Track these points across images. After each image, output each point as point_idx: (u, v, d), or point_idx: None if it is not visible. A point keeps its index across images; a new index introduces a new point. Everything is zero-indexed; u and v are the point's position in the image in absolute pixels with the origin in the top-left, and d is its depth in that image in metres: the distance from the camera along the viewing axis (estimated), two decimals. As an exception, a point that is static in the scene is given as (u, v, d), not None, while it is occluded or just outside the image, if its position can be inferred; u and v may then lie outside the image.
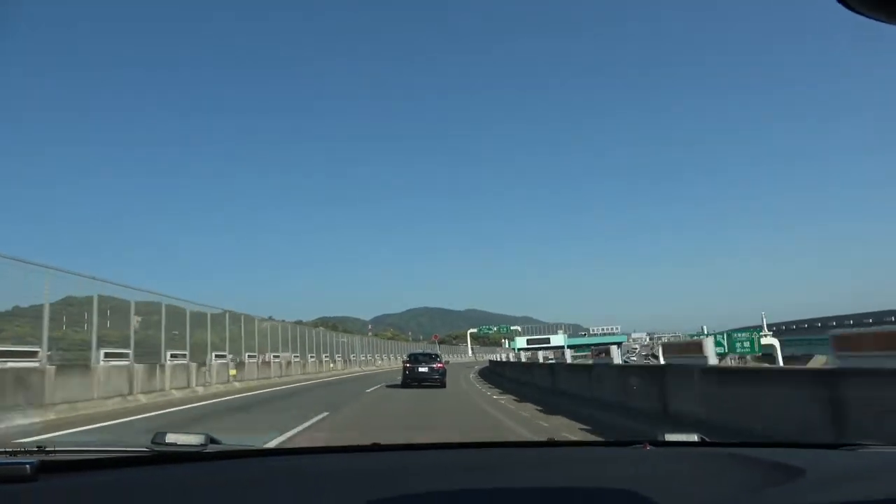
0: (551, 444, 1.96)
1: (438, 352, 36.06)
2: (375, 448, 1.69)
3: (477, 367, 46.00)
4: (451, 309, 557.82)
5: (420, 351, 30.90)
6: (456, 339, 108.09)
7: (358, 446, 1.71)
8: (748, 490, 1.11)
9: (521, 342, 73.91)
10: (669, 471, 1.40)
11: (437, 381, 21.69)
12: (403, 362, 23.62)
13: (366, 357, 46.36)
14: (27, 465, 1.18)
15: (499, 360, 40.38)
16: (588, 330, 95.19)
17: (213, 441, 1.55)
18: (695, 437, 1.73)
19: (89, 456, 1.46)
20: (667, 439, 1.71)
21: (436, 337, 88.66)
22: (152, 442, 1.48)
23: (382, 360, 50.91)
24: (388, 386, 22.43)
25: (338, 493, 1.22)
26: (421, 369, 21.94)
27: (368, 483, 1.30)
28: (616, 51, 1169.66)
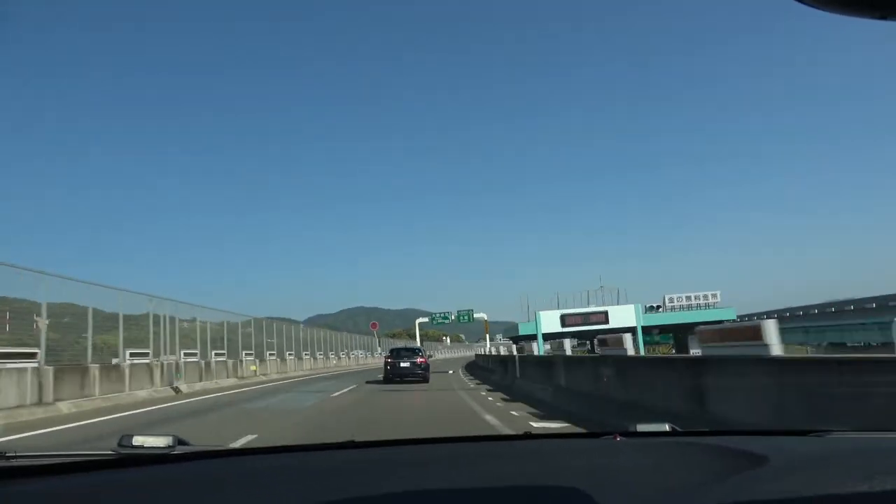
0: (524, 436, 1.96)
1: (418, 346, 30.86)
2: (349, 445, 1.64)
3: (453, 372, 30.59)
4: (388, 308, 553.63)
5: (402, 345, 29.93)
6: (394, 337, 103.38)
7: (331, 444, 1.66)
8: (716, 478, 1.13)
9: (549, 321, 42.09)
10: (639, 461, 1.42)
11: (419, 376, 21.25)
12: (385, 358, 23.07)
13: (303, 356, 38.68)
14: None
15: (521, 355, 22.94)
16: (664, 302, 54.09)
17: (181, 442, 1.51)
18: (665, 427, 1.73)
19: (53, 461, 1.40)
20: (637, 429, 1.72)
21: (374, 326, 74.34)
22: (118, 445, 1.45)
23: (318, 359, 42.66)
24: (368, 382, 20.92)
25: (309, 491, 1.18)
26: (403, 364, 21.50)
27: (342, 481, 1.26)
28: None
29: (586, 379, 12.26)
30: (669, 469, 1.31)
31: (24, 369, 12.68)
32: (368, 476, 1.31)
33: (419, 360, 22.00)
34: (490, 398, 15.22)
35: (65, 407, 13.43)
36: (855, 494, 0.90)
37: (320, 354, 44.04)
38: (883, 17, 0.81)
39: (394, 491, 1.16)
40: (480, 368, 30.36)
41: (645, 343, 43.03)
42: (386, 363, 22.30)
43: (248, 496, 1.16)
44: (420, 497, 1.12)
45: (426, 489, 1.17)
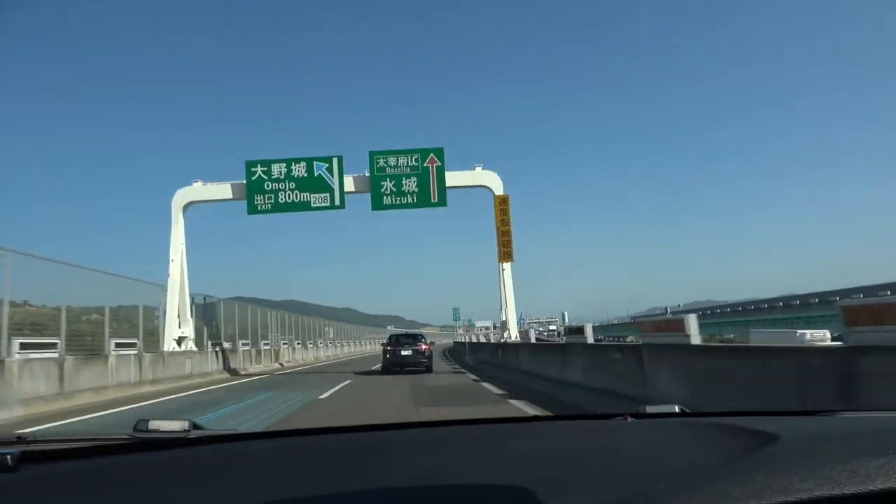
0: (534, 419, 2.01)
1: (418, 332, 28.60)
2: (359, 428, 1.67)
3: None
4: (267, 299, 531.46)
5: (402, 331, 28.77)
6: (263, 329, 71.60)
7: (342, 427, 1.68)
8: (726, 457, 1.10)
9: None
10: (650, 441, 1.40)
11: (422, 365, 19.95)
12: (383, 345, 21.71)
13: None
14: (8, 456, 1.14)
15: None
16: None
17: (196, 427, 1.52)
18: (675, 409, 1.72)
19: (71, 445, 1.42)
20: (647, 411, 1.71)
21: None
22: (134, 429, 1.46)
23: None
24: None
25: (322, 473, 1.20)
26: (404, 352, 20.26)
27: (353, 462, 1.27)
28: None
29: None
30: (681, 449, 1.30)
31: None
32: (379, 458, 1.31)
33: (422, 346, 20.62)
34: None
35: None
36: (872, 469, 0.89)
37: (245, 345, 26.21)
38: None
39: (408, 472, 1.18)
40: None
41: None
42: (385, 351, 21.00)
43: (261, 479, 1.17)
44: (431, 478, 1.13)
45: (438, 470, 1.19)
